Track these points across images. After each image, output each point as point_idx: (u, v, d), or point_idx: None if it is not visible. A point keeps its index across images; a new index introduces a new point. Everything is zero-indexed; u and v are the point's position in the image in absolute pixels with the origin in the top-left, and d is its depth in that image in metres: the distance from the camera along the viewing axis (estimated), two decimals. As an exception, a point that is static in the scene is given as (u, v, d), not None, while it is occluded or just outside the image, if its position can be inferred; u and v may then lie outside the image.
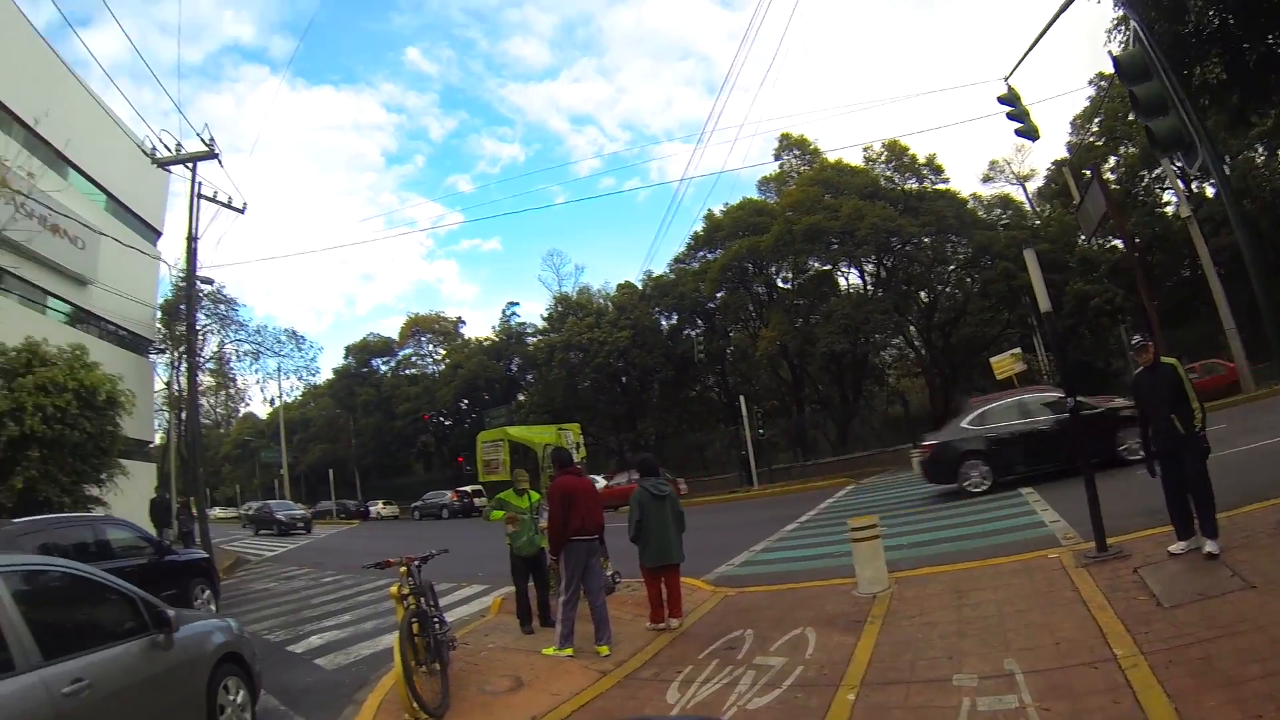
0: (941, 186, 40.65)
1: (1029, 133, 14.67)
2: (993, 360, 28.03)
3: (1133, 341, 7.24)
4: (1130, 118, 29.29)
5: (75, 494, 14.26)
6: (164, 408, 36.70)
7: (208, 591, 12.73)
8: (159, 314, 32.65)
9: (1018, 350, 28.09)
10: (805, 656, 6.27)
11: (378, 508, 48.49)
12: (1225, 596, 5.40)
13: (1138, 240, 29.79)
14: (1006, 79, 14.35)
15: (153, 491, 19.71)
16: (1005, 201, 44.99)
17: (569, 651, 7.39)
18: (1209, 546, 6.34)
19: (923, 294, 41.91)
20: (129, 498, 16.93)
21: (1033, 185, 46.49)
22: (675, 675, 6.33)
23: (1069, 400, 8.52)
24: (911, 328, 43.70)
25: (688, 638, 7.68)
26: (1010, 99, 14.32)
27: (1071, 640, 5.30)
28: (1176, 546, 6.68)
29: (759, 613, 8.21)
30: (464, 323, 64.98)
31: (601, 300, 48.76)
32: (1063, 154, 38.09)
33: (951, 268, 40.31)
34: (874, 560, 8.20)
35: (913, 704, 4.82)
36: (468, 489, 42.80)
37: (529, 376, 53.27)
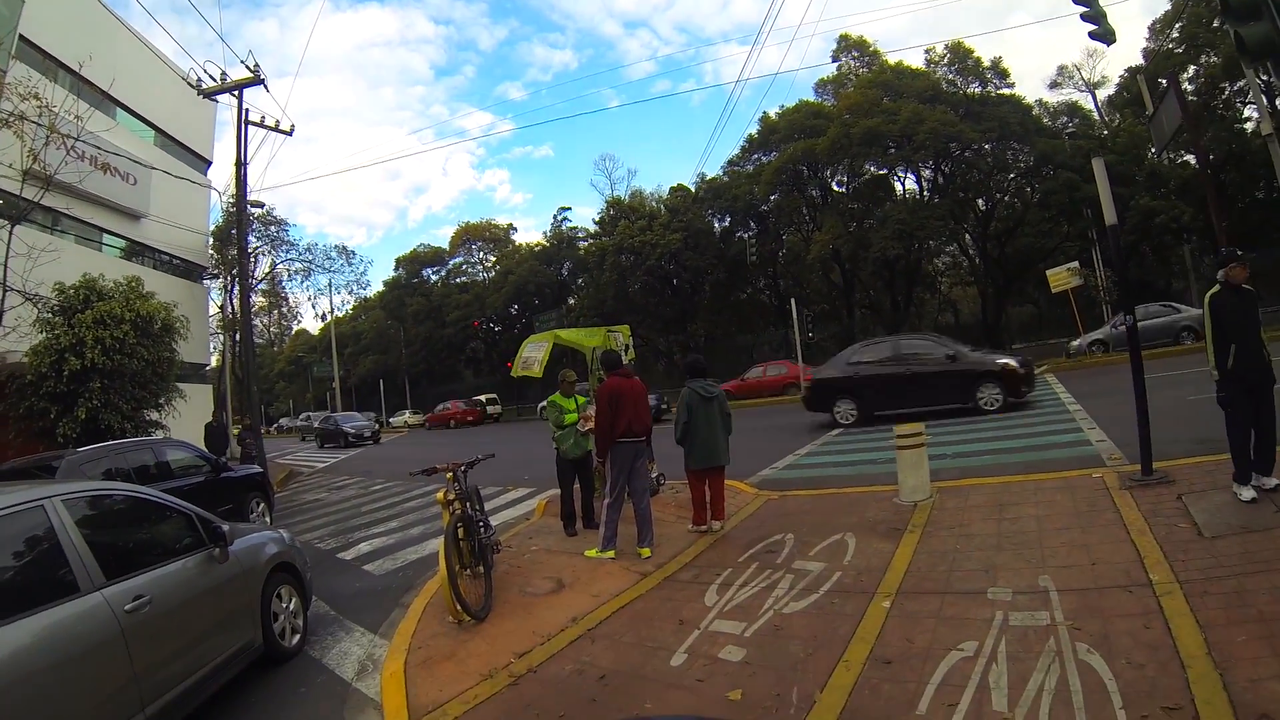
0: (1006, 91, 39.18)
1: (1104, 36, 13.89)
2: (1049, 273, 27.42)
3: (1225, 254, 6.49)
4: (1216, 23, 27.67)
5: (136, 419, 14.76)
6: (218, 330, 38.16)
7: (262, 505, 13.28)
8: (211, 240, 33.33)
9: (1075, 264, 27.40)
10: (844, 562, 6.38)
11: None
12: (1269, 532, 5.37)
13: (1212, 157, 28.35)
14: (1083, -26, 13.59)
15: (209, 416, 20.31)
16: (1073, 109, 43.02)
17: (611, 554, 7.55)
18: (1271, 482, 6.16)
19: (980, 202, 40.87)
20: (187, 419, 17.68)
21: (1103, 93, 44.17)
22: (714, 578, 6.48)
23: (1127, 317, 8.27)
24: (967, 236, 43.00)
25: (729, 540, 7.80)
26: (1085, -2, 13.59)
27: (1108, 562, 5.34)
28: (1246, 492, 6.14)
29: (800, 517, 8.31)
30: (515, 229, 65.09)
31: (654, 203, 48.60)
32: (1138, 61, 36.01)
33: (1011, 176, 39.10)
34: (918, 469, 8.25)
35: (946, 614, 4.92)
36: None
37: (580, 281, 53.51)
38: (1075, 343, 26.91)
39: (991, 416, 14.49)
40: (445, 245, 64.75)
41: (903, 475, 8.31)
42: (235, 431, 26.15)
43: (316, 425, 43.15)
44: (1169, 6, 34.22)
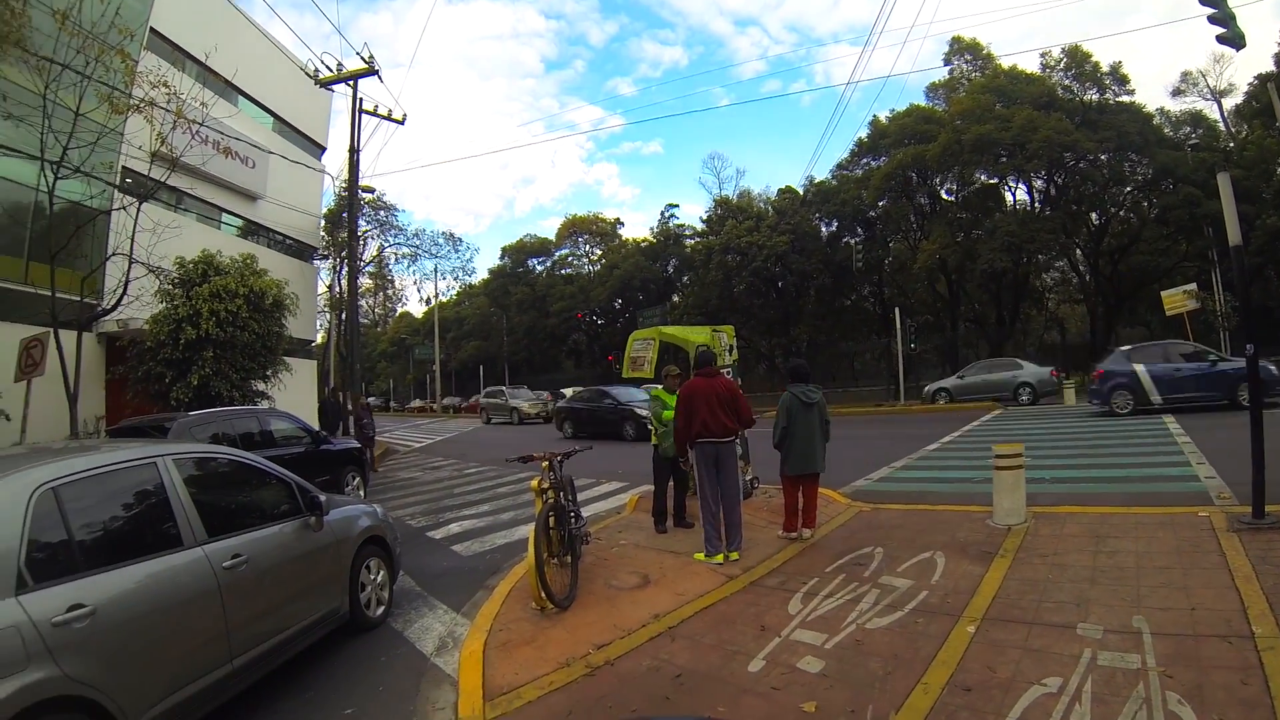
0: (1125, 99, 37.50)
1: (1232, 40, 13.22)
2: (1164, 294, 26.17)
3: None
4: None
5: (244, 389, 15.58)
6: (326, 309, 39.58)
7: (358, 479, 13.82)
8: (323, 222, 34.54)
9: (1192, 286, 26.02)
10: (931, 581, 6.30)
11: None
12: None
13: (1350, 172, 26.70)
14: (1211, -27, 12.94)
15: (314, 389, 21.01)
16: (1196, 119, 40.73)
17: (719, 558, 7.46)
18: None
19: (1094, 216, 39.38)
20: (292, 391, 18.47)
21: (1230, 102, 41.40)
22: (800, 586, 6.47)
23: (1248, 347, 7.92)
24: (1078, 251, 41.38)
25: (818, 549, 7.76)
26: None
27: (1209, 609, 5.11)
28: None
29: (891, 531, 8.22)
30: (622, 224, 65.78)
31: (762, 204, 48.69)
32: (1269, 67, 33.85)
33: (1128, 189, 37.54)
34: (1014, 491, 8.05)
35: (1032, 645, 4.80)
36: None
37: (685, 278, 53.93)
38: (926, 388, 29.25)
39: (1100, 443, 14.03)
40: (551, 236, 65.97)
41: (998, 497, 8.12)
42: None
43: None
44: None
